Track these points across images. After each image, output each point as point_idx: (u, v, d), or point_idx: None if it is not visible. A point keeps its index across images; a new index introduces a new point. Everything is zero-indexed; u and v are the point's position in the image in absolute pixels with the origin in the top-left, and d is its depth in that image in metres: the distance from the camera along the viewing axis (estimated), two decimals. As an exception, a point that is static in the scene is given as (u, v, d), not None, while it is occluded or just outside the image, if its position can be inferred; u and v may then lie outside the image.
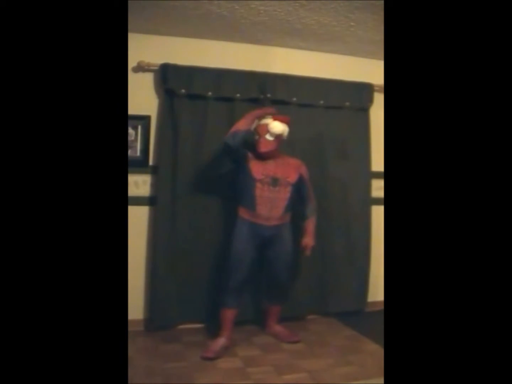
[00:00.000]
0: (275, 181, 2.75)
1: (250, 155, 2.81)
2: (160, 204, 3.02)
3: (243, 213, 2.78)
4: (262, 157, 2.78)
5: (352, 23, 2.78)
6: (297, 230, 2.92)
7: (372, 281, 3.52)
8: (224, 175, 3.02)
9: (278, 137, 2.76)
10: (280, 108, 3.21)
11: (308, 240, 2.85)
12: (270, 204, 2.74)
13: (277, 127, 2.74)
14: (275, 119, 2.76)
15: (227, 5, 2.54)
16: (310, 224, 2.89)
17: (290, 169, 2.83)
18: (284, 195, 2.77)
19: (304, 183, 2.88)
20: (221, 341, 2.72)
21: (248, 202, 2.77)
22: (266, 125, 2.74)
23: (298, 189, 2.86)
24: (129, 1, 1.33)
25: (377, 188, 3.52)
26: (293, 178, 2.81)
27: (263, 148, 2.74)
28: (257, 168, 2.78)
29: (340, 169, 3.41)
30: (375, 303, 3.49)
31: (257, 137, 2.75)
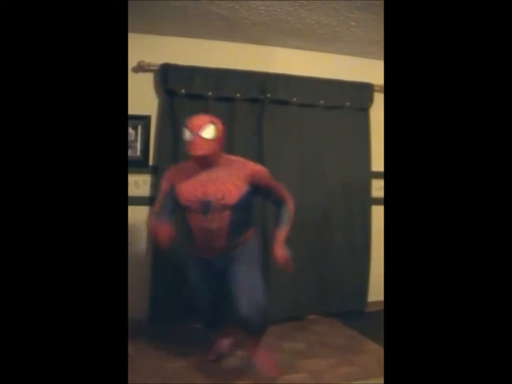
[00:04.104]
0: (206, 207, 2.04)
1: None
2: (160, 204, 3.01)
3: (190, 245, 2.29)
4: (198, 165, 2.09)
5: (352, 23, 2.78)
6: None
7: (372, 281, 3.52)
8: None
9: (219, 137, 2.06)
10: (280, 108, 3.23)
11: (279, 250, 2.12)
12: (206, 235, 2.11)
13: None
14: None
15: (227, 5, 2.54)
16: (280, 233, 2.18)
17: (229, 183, 2.04)
18: (220, 223, 2.06)
19: (268, 187, 2.17)
20: (223, 343, 2.69)
21: (188, 232, 2.22)
22: (201, 119, 2.06)
23: (265, 195, 2.25)
24: (129, 1, 1.33)
25: (377, 188, 3.52)
26: (233, 196, 2.03)
27: (198, 151, 1.98)
28: (185, 189, 2.09)
29: (340, 169, 3.41)
30: (375, 303, 3.49)
31: (189, 136, 2.02)
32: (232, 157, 2.16)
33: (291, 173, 3.25)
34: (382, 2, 1.41)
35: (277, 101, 3.21)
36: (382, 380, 1.28)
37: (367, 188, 3.52)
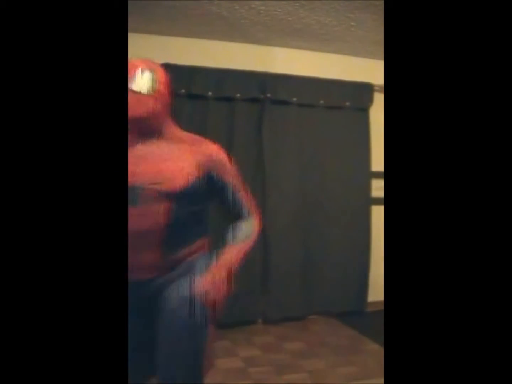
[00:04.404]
0: (133, 195, 1.27)
1: None
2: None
3: None
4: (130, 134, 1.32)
5: (352, 23, 2.78)
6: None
7: (372, 281, 3.53)
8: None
9: (160, 92, 1.37)
10: (280, 108, 3.23)
11: (206, 283, 1.30)
12: (131, 240, 1.19)
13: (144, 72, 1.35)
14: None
15: (227, 5, 2.55)
16: (229, 254, 1.37)
17: (174, 161, 1.34)
18: (153, 221, 1.30)
19: (225, 184, 1.42)
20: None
21: None
22: (130, 64, 1.33)
23: (215, 195, 1.45)
24: (129, 1, 1.33)
25: (377, 188, 3.52)
26: (178, 181, 1.31)
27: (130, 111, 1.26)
28: None
29: (340, 169, 3.42)
30: (375, 303, 3.49)
31: None
32: (186, 133, 1.50)
33: (291, 173, 3.26)
34: (382, 2, 1.41)
35: (277, 101, 3.21)
36: (382, 380, 1.28)
37: (367, 188, 3.52)
